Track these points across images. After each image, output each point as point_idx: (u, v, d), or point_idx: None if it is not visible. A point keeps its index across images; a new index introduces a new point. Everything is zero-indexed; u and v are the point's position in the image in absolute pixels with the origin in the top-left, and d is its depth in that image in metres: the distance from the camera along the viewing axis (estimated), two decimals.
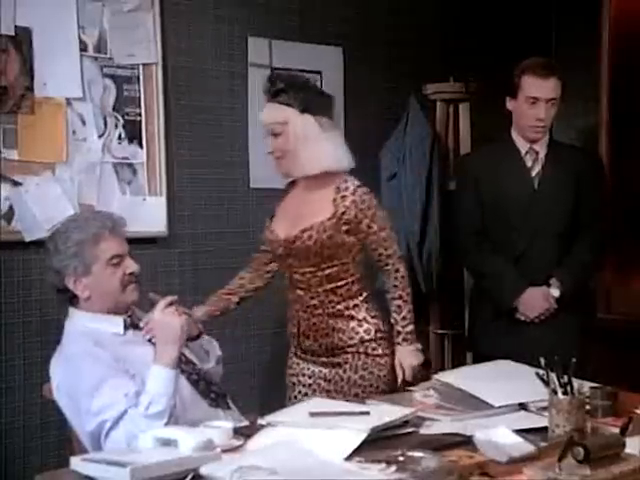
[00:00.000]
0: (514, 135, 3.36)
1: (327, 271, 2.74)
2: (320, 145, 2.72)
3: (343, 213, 2.70)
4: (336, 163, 2.76)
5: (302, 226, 2.72)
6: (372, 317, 2.79)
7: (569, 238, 3.32)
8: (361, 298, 2.79)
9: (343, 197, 2.72)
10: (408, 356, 2.80)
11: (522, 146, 3.33)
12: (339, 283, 2.75)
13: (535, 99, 3.23)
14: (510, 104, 3.33)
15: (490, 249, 3.36)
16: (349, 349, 2.75)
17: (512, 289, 3.29)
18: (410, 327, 2.81)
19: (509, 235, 3.32)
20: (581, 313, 3.40)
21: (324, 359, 2.81)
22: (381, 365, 2.77)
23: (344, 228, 2.71)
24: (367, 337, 2.75)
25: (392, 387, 2.79)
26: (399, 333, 2.80)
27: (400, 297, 2.80)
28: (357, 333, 2.76)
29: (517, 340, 3.24)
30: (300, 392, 2.88)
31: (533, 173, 3.32)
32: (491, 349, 3.13)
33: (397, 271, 2.79)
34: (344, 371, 2.77)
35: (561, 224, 3.30)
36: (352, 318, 2.76)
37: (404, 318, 2.80)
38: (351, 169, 4.22)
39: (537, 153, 3.32)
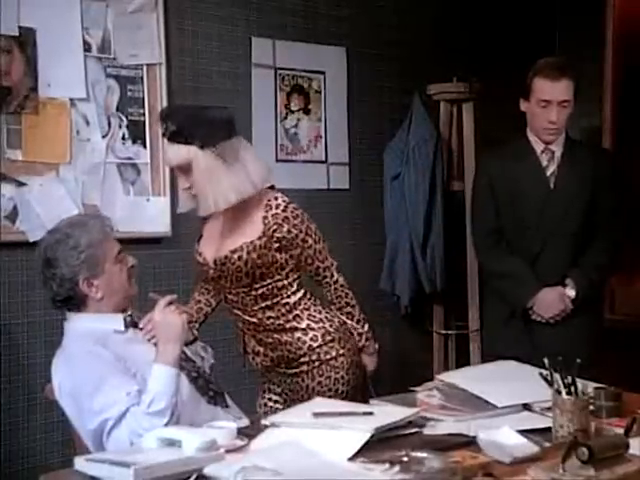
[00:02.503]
0: (529, 135, 3.34)
1: (260, 290, 2.65)
2: (225, 179, 2.56)
3: (275, 231, 2.59)
4: (244, 192, 2.59)
5: (231, 247, 2.62)
6: (316, 322, 2.71)
7: (585, 238, 3.30)
8: (300, 307, 2.70)
9: (275, 215, 2.60)
10: (367, 362, 2.81)
11: (537, 145, 3.31)
12: (274, 300, 2.67)
13: (546, 102, 3.21)
14: (523, 106, 3.31)
15: (505, 248, 3.35)
16: (301, 359, 2.70)
17: (527, 289, 3.27)
18: (367, 326, 2.79)
19: (524, 235, 3.30)
20: (595, 314, 3.39)
21: (280, 370, 2.76)
22: (337, 367, 2.70)
23: (275, 246, 2.61)
24: (315, 344, 2.69)
25: (354, 384, 2.75)
26: (360, 335, 2.78)
27: (347, 304, 2.76)
28: (304, 343, 2.68)
29: (531, 341, 3.23)
30: (271, 399, 2.83)
31: (548, 172, 3.30)
32: (505, 350, 3.12)
33: (336, 282, 2.73)
34: (302, 380, 2.71)
35: (577, 224, 3.28)
36: (295, 329, 2.69)
37: (359, 321, 2.78)
38: (354, 169, 4.27)
39: (553, 152, 3.30)
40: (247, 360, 2.82)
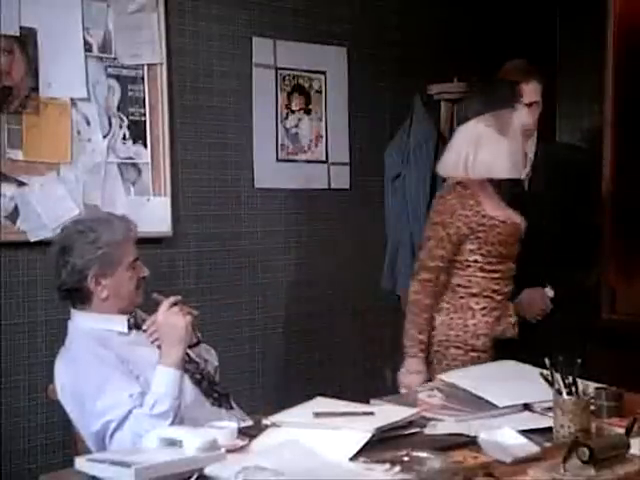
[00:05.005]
0: None
1: None
2: None
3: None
4: None
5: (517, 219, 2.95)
6: None
7: (564, 237, 3.30)
8: None
9: None
10: None
11: None
12: None
13: None
14: None
15: None
16: None
17: None
18: None
19: None
20: (578, 313, 3.39)
21: None
22: None
23: None
24: None
25: None
26: None
27: None
28: None
29: (515, 340, 3.23)
30: None
31: (522, 175, 3.30)
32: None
33: None
34: None
35: (555, 224, 3.28)
36: None
37: None
38: (355, 169, 4.27)
39: (525, 154, 3.29)
40: (503, 332, 2.92)
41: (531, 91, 3.24)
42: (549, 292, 3.28)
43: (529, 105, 3.22)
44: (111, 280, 2.40)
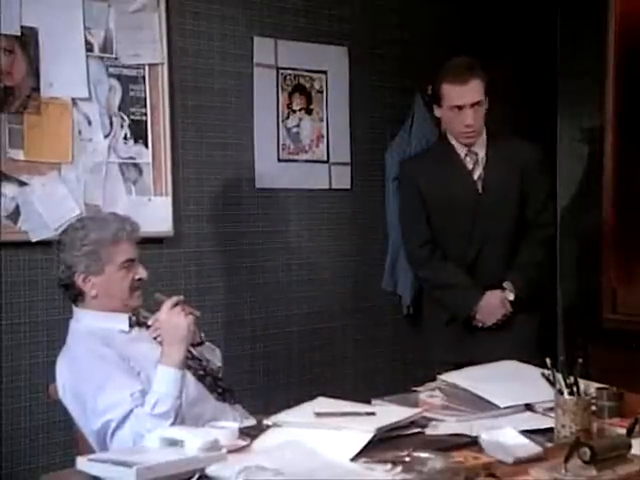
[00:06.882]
0: (451, 139, 3.28)
1: None
2: None
3: None
4: None
5: None
6: None
7: (520, 238, 3.27)
8: None
9: None
10: None
11: (460, 149, 3.26)
12: None
13: (459, 107, 3.15)
14: (437, 112, 3.27)
15: (441, 258, 3.29)
16: None
17: (468, 298, 3.24)
18: None
19: (458, 241, 3.25)
20: (534, 314, 3.35)
21: None
22: None
23: None
24: None
25: None
26: None
27: None
28: None
29: (472, 345, 3.20)
30: None
31: (475, 176, 3.24)
32: (445, 355, 3.13)
33: None
34: None
35: (511, 225, 3.25)
36: None
37: None
38: (356, 169, 4.27)
39: (476, 154, 3.25)
40: None
41: (472, 92, 3.15)
42: (509, 295, 3.23)
43: (471, 106, 3.14)
44: (100, 279, 2.41)
